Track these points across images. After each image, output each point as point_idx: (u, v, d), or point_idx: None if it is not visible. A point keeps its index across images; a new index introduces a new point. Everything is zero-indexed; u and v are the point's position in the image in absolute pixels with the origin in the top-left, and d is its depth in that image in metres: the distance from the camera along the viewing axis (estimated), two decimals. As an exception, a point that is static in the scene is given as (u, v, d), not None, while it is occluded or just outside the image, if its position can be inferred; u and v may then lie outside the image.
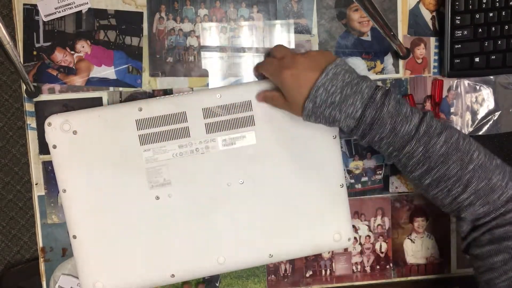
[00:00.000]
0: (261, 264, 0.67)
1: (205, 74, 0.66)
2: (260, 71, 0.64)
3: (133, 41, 0.65)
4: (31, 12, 0.63)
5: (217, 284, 0.69)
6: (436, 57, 0.68)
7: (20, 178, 1.45)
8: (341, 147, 0.66)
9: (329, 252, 0.70)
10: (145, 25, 0.65)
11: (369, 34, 0.67)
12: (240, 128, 0.62)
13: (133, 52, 0.65)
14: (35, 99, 0.65)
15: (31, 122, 0.65)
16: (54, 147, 0.61)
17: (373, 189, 0.70)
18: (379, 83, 0.68)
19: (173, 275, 0.63)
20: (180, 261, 0.63)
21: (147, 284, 0.64)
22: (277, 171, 0.63)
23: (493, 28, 0.64)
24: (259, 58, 0.66)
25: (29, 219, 1.46)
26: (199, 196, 0.62)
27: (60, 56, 0.64)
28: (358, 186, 0.69)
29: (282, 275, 0.70)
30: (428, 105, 0.69)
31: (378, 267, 0.71)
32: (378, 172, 0.69)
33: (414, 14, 0.67)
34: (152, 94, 0.66)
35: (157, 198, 0.62)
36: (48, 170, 0.66)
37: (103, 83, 0.65)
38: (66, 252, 0.67)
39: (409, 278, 0.71)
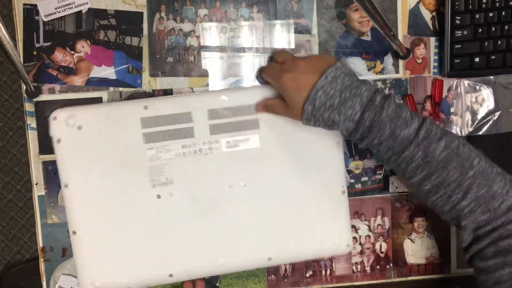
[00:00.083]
0: (260, 266, 0.67)
1: (205, 74, 0.66)
2: (262, 76, 0.64)
3: (133, 41, 0.65)
4: (31, 12, 0.63)
5: (217, 284, 0.69)
6: (436, 57, 0.68)
7: (20, 178, 1.45)
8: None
9: (329, 252, 0.70)
10: (145, 25, 0.65)
11: (369, 34, 0.67)
12: (245, 130, 0.62)
13: (133, 52, 0.65)
14: (35, 99, 0.65)
15: (31, 122, 0.65)
16: (58, 141, 0.61)
17: (373, 189, 0.70)
18: (379, 83, 0.68)
19: (171, 275, 0.63)
20: (179, 261, 0.63)
21: (145, 283, 0.64)
22: (279, 175, 0.63)
23: (493, 28, 0.64)
24: (259, 58, 0.66)
25: (29, 219, 1.46)
26: (200, 197, 0.62)
27: (60, 56, 0.64)
28: (358, 186, 0.69)
29: (282, 275, 0.70)
30: (428, 105, 0.69)
31: (378, 267, 0.71)
32: (378, 172, 0.69)
33: (414, 14, 0.67)
34: (152, 94, 0.66)
35: (159, 197, 0.62)
36: (48, 170, 0.66)
37: (103, 83, 0.65)
38: (66, 252, 0.67)
39: (409, 278, 0.71)
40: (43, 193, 0.66)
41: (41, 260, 0.67)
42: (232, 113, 0.62)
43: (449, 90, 0.69)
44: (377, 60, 0.68)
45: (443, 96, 0.69)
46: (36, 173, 0.66)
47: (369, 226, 0.70)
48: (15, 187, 1.45)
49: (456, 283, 0.71)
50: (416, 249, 0.71)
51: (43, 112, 0.65)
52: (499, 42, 0.65)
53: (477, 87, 0.69)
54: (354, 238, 0.70)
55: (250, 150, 0.63)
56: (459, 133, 0.69)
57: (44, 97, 0.65)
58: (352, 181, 0.69)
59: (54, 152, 0.61)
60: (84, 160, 0.61)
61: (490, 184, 0.51)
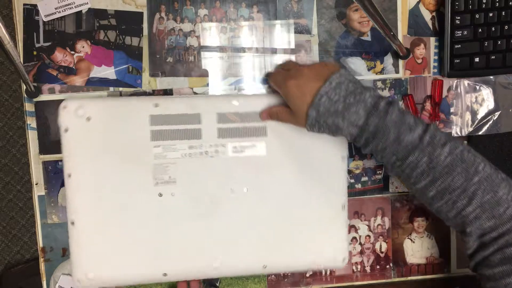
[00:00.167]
0: (255, 273, 0.67)
1: (205, 74, 0.66)
2: (269, 82, 0.65)
3: (133, 41, 0.65)
4: (31, 12, 0.63)
5: (217, 284, 0.69)
6: (436, 57, 0.68)
7: (20, 178, 1.45)
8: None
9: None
10: (145, 25, 0.65)
11: (369, 34, 0.67)
12: (252, 137, 0.62)
13: (133, 52, 0.65)
14: (35, 99, 0.65)
15: (31, 122, 0.65)
16: (66, 130, 0.61)
17: (373, 189, 0.70)
18: (379, 83, 0.68)
19: (165, 274, 0.63)
20: (174, 260, 0.63)
21: (138, 279, 0.63)
22: (281, 184, 0.63)
23: (493, 28, 0.64)
24: (259, 58, 0.66)
25: (29, 219, 1.46)
26: (201, 199, 0.62)
27: (60, 56, 0.64)
28: (358, 186, 0.69)
29: (282, 275, 0.70)
30: (428, 105, 0.69)
31: (378, 267, 0.71)
32: (378, 172, 0.69)
33: (414, 14, 0.67)
34: (152, 94, 0.66)
35: (160, 195, 0.62)
36: (48, 170, 0.66)
37: (103, 83, 0.65)
38: (66, 252, 0.67)
39: (409, 278, 0.71)
40: (43, 193, 0.66)
41: (41, 260, 0.67)
42: (241, 118, 0.62)
43: (449, 90, 0.69)
44: (377, 60, 0.68)
45: (443, 96, 0.69)
46: (36, 173, 0.66)
47: (369, 226, 0.70)
48: (15, 187, 1.45)
49: (456, 283, 0.71)
50: (416, 249, 0.71)
51: (43, 112, 0.65)
52: (499, 42, 0.65)
53: (477, 87, 0.69)
54: (354, 238, 0.70)
55: (255, 157, 0.63)
56: (459, 133, 0.69)
57: (44, 97, 0.65)
58: (352, 181, 0.69)
59: (61, 141, 0.61)
60: (90, 152, 0.61)
61: (495, 190, 0.51)
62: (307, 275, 0.70)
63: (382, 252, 0.71)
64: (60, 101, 0.63)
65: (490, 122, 0.69)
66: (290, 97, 0.56)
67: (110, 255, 0.62)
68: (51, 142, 0.65)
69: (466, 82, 0.69)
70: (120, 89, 0.65)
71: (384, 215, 0.70)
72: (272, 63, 0.67)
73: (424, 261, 0.71)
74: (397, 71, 0.68)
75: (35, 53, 0.64)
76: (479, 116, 0.69)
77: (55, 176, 0.66)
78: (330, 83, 0.53)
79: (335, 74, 0.54)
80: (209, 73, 0.66)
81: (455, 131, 0.69)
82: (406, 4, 0.67)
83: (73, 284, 0.65)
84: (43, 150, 0.65)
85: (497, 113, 0.69)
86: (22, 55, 0.64)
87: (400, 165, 0.53)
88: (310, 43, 0.67)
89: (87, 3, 0.64)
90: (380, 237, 0.70)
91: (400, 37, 0.67)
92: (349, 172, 0.69)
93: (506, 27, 0.64)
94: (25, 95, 0.64)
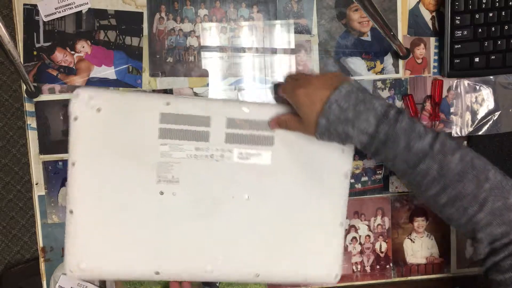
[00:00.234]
0: (247, 281, 0.67)
1: (205, 74, 0.66)
2: (279, 92, 0.65)
3: (133, 41, 0.65)
4: (31, 12, 0.63)
5: (217, 284, 0.69)
6: (436, 57, 0.68)
7: (20, 178, 1.45)
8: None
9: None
10: (145, 25, 0.65)
11: (369, 34, 0.67)
12: (259, 145, 0.62)
13: (133, 52, 0.65)
14: (35, 99, 0.65)
15: (31, 122, 0.65)
16: (75, 119, 0.60)
17: (373, 189, 0.70)
18: (379, 83, 0.68)
19: (158, 273, 0.62)
20: (168, 260, 0.62)
21: (130, 275, 0.63)
22: (282, 195, 0.63)
23: (493, 28, 0.64)
24: (259, 58, 0.66)
25: (29, 219, 1.46)
26: (202, 201, 0.62)
27: (60, 56, 0.64)
28: (358, 186, 0.69)
29: (282, 275, 0.70)
30: (428, 105, 0.69)
31: (378, 267, 0.71)
32: (378, 172, 0.69)
33: (414, 14, 0.67)
34: (152, 94, 0.66)
35: (161, 193, 0.62)
36: (48, 170, 0.66)
37: (103, 83, 0.65)
38: (66, 252, 0.67)
39: (409, 278, 0.71)
40: (43, 193, 0.66)
41: (41, 260, 0.67)
42: (250, 126, 0.62)
43: (449, 90, 0.69)
44: (377, 60, 0.68)
45: (443, 96, 0.69)
46: (36, 173, 0.66)
47: (369, 226, 0.70)
48: (15, 187, 1.45)
49: (456, 283, 0.71)
50: (416, 249, 0.71)
51: (43, 112, 0.65)
52: (499, 42, 0.65)
53: (477, 87, 0.69)
54: (354, 238, 0.70)
55: (260, 166, 0.63)
56: (459, 133, 0.69)
57: (44, 97, 0.65)
58: (352, 181, 0.69)
59: (69, 129, 0.61)
60: (96, 142, 0.61)
61: (506, 196, 0.51)
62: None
63: (382, 252, 0.71)
64: (60, 101, 0.63)
65: (490, 122, 0.69)
66: (300, 105, 0.56)
67: (104, 247, 0.62)
68: (51, 142, 0.65)
69: (466, 82, 0.69)
70: (120, 89, 0.65)
71: (384, 215, 0.70)
72: (272, 63, 0.67)
73: (424, 261, 0.71)
74: (397, 71, 0.68)
75: (35, 53, 0.64)
76: (479, 116, 0.69)
77: (55, 176, 0.66)
78: (340, 91, 0.53)
79: (344, 83, 0.54)
80: (209, 73, 0.66)
81: (455, 131, 0.69)
82: (406, 4, 0.67)
83: (70, 281, 0.65)
84: (43, 150, 0.65)
85: (497, 113, 0.69)
86: (22, 55, 0.64)
87: (411, 173, 0.53)
88: (310, 43, 0.67)
89: (87, 3, 0.64)
90: (380, 237, 0.70)
91: (400, 37, 0.67)
92: (349, 172, 0.69)
93: (506, 27, 0.64)
94: (25, 95, 0.64)
